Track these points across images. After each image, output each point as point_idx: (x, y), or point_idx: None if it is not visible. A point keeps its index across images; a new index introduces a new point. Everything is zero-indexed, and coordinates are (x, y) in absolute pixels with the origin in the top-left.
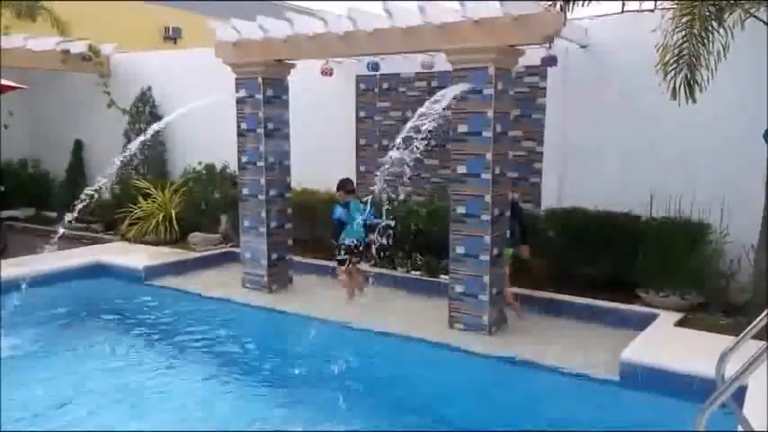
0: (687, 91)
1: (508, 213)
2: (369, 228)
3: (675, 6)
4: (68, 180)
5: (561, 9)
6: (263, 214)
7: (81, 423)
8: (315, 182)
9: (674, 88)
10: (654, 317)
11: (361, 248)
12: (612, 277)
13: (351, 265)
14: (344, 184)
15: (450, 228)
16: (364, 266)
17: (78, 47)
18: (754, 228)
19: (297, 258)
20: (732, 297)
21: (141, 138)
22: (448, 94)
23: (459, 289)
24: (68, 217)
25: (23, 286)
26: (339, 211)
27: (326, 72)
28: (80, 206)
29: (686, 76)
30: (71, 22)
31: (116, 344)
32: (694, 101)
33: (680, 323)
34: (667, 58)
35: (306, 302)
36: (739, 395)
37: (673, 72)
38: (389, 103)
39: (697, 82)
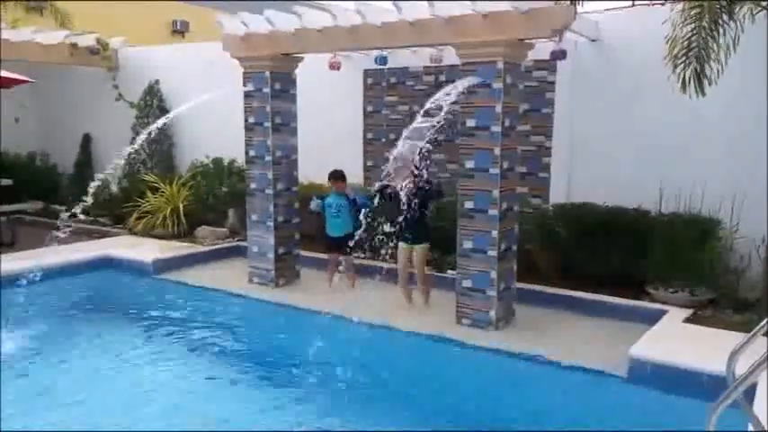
0: (696, 84)
1: (516, 208)
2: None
3: None
4: (77, 174)
5: (571, 2)
6: (271, 208)
7: (88, 416)
8: (322, 176)
9: (684, 81)
10: (663, 313)
11: (346, 242)
12: (621, 273)
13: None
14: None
15: (458, 223)
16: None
17: (87, 40)
18: (765, 223)
19: (304, 253)
20: (742, 294)
21: (154, 125)
22: (457, 87)
23: (466, 284)
24: (70, 213)
25: (32, 279)
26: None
27: (335, 66)
28: (87, 202)
29: (695, 69)
30: (80, 15)
31: (124, 337)
32: (704, 94)
33: (689, 320)
34: (676, 50)
35: (312, 297)
36: (749, 393)
37: (682, 65)
38: (397, 98)
39: (706, 75)
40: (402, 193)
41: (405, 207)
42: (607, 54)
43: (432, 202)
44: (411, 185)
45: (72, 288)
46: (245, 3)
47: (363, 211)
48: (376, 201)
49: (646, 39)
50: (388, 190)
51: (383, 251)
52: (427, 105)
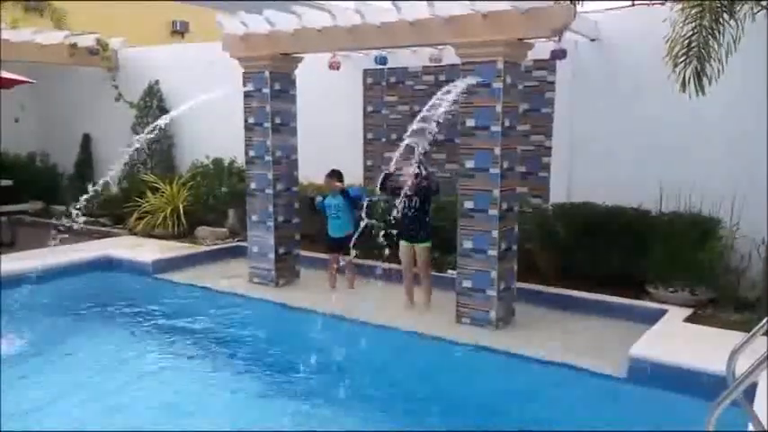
0: (696, 83)
1: (516, 208)
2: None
3: None
4: (77, 174)
5: (571, 2)
6: (271, 209)
7: (88, 417)
8: (322, 176)
9: (684, 81)
10: (663, 313)
11: (347, 242)
12: (621, 273)
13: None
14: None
15: (458, 222)
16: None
17: (86, 41)
18: (765, 223)
19: (304, 253)
20: (742, 293)
21: (155, 125)
22: (456, 88)
23: (466, 284)
24: (74, 213)
25: (32, 280)
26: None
27: (334, 66)
28: (86, 202)
29: (696, 68)
30: (79, 16)
31: (124, 338)
32: (704, 93)
33: (689, 319)
34: (676, 50)
35: (313, 297)
36: (749, 392)
37: (682, 64)
38: (397, 97)
39: (707, 74)
40: (406, 186)
41: (406, 202)
42: (607, 54)
43: (432, 198)
44: (413, 181)
45: (72, 289)
46: (244, 2)
47: (361, 201)
48: (378, 188)
49: (645, 38)
50: (391, 181)
51: (385, 250)
52: (428, 106)
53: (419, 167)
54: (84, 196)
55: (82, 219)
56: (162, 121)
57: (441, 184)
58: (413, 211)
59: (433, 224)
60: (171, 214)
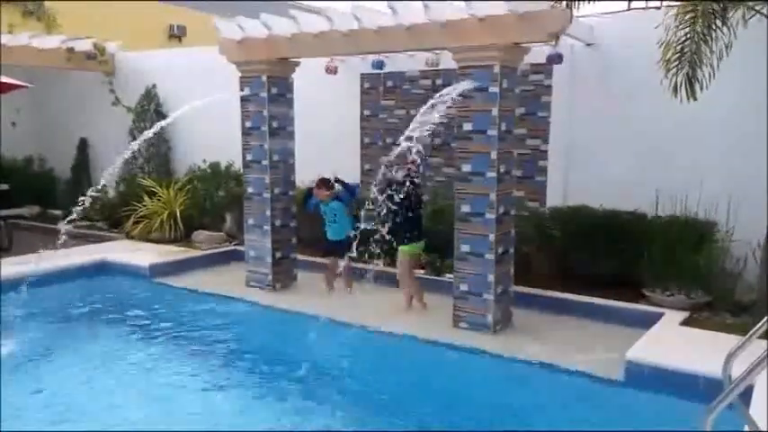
0: (688, 89)
1: (513, 212)
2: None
3: (679, 4)
4: (73, 178)
5: (567, 6)
6: (268, 212)
7: (88, 422)
8: None
9: (675, 86)
10: (659, 316)
11: (347, 246)
12: (618, 276)
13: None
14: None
15: (455, 226)
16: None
17: (83, 45)
18: (760, 226)
19: (301, 257)
20: (738, 296)
21: (150, 130)
22: (453, 91)
23: (463, 288)
24: (71, 216)
25: (28, 284)
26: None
27: (331, 70)
28: (84, 205)
29: (688, 73)
30: (76, 19)
31: (120, 342)
32: (695, 99)
33: (686, 322)
34: (669, 55)
35: (310, 301)
36: (746, 395)
37: (675, 69)
38: (394, 102)
39: (698, 80)
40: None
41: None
42: (603, 58)
43: (418, 204)
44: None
45: (69, 293)
46: (241, 3)
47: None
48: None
49: (641, 43)
50: (390, 175)
51: (381, 252)
52: (424, 108)
53: (412, 165)
54: (80, 200)
55: (78, 223)
56: (157, 128)
57: (431, 193)
58: (403, 210)
59: (432, 228)
60: (168, 218)
